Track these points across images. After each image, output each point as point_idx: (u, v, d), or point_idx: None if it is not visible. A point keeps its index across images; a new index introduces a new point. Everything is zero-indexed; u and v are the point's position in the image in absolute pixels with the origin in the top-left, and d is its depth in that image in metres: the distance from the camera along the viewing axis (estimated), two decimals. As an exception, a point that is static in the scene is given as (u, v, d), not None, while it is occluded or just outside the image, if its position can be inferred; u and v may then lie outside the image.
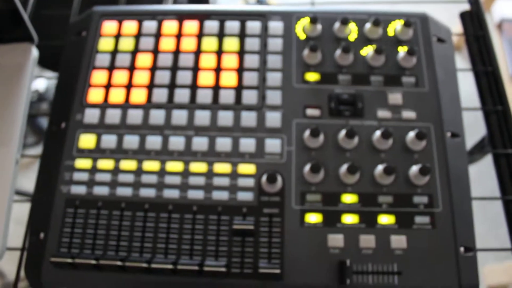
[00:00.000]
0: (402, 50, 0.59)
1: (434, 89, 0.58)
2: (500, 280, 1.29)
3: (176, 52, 0.60)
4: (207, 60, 0.59)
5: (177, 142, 0.55)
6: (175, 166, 0.54)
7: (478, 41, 0.66)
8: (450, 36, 0.61)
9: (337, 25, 0.60)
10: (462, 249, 0.51)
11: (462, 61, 1.79)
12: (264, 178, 0.53)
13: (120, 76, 0.59)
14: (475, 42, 0.66)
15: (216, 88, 0.58)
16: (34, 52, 0.65)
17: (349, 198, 0.53)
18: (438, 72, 0.58)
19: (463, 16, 0.69)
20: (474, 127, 0.83)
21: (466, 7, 0.71)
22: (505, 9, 1.42)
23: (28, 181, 1.37)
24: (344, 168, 0.53)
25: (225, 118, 0.56)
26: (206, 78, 0.58)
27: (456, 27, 1.00)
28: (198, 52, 0.60)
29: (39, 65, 1.03)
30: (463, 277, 0.50)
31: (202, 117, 0.56)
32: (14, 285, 0.56)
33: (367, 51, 0.59)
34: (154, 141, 0.55)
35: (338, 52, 0.58)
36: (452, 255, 0.51)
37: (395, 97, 0.57)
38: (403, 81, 0.58)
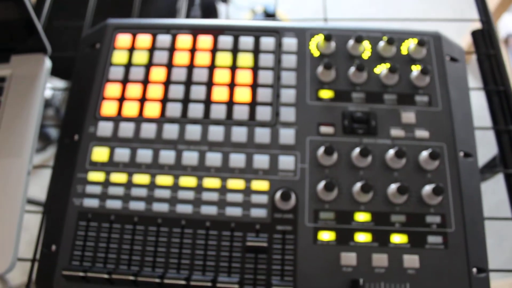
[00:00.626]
0: (416, 69, 0.59)
1: (447, 108, 0.58)
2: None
3: (190, 67, 0.60)
4: (221, 75, 0.60)
5: (190, 157, 0.55)
6: (188, 181, 0.54)
7: (490, 60, 0.66)
8: (463, 56, 0.62)
9: (351, 42, 0.60)
10: (474, 270, 0.51)
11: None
12: (278, 195, 0.53)
13: (134, 90, 0.59)
14: (486, 61, 0.67)
15: (230, 103, 0.58)
16: (47, 63, 0.65)
17: (362, 217, 0.53)
18: (451, 91, 0.59)
19: (475, 34, 0.69)
20: (483, 145, 0.84)
21: (475, 25, 0.71)
22: (511, 24, 1.43)
23: (32, 188, 1.37)
24: (357, 186, 0.53)
25: (239, 134, 0.56)
26: (220, 93, 0.59)
27: (463, 43, 1.00)
28: (212, 67, 0.60)
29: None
30: (475, 298, 0.50)
31: (216, 133, 0.56)
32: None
33: (381, 69, 0.59)
34: (167, 156, 0.56)
35: (352, 70, 0.59)
36: (464, 276, 0.51)
37: (408, 116, 0.57)
38: (416, 100, 0.58)
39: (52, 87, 1.35)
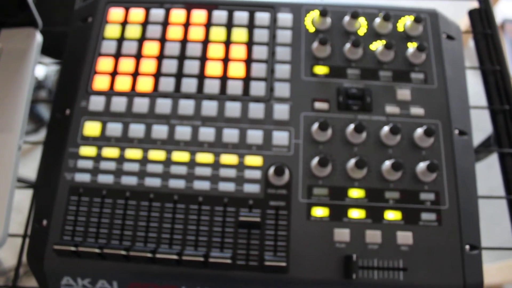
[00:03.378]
0: (412, 46, 0.58)
1: (443, 86, 0.57)
2: (494, 280, 1.30)
3: (184, 41, 0.60)
4: (215, 50, 0.59)
5: (183, 132, 0.55)
6: (181, 156, 0.54)
7: (486, 40, 0.66)
8: (460, 34, 0.61)
9: (346, 18, 0.60)
10: (467, 247, 0.51)
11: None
12: (271, 170, 0.52)
13: (127, 64, 0.59)
14: (483, 40, 0.66)
15: (224, 78, 0.57)
16: (38, 37, 0.64)
17: (356, 193, 0.52)
18: (447, 69, 0.58)
19: (472, 13, 0.68)
20: (479, 125, 0.83)
21: (472, 4, 0.71)
22: (508, 9, 1.42)
23: (26, 168, 1.36)
24: (351, 162, 0.52)
25: (233, 109, 0.56)
26: (214, 68, 0.58)
27: (461, 24, 1.00)
28: (206, 42, 0.59)
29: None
30: (468, 275, 0.50)
31: (209, 108, 0.56)
32: (16, 270, 0.55)
33: (377, 45, 0.59)
34: (160, 130, 0.55)
35: (347, 46, 0.58)
36: (457, 253, 0.51)
37: (403, 93, 0.57)
38: (412, 77, 0.58)
39: (45, 65, 1.34)
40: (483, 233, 0.52)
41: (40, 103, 1.63)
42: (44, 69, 1.60)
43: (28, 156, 1.50)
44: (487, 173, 1.13)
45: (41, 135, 1.63)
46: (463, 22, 1.42)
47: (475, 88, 0.72)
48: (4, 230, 0.53)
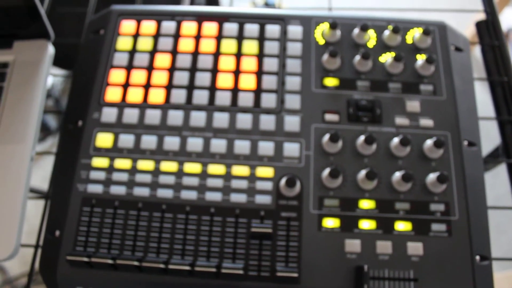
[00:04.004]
0: (421, 58, 0.59)
1: (452, 97, 0.58)
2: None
3: (195, 54, 0.60)
4: (226, 62, 0.59)
5: (195, 143, 0.55)
6: (192, 167, 0.54)
7: (494, 51, 0.67)
8: (468, 45, 0.62)
9: (356, 31, 0.60)
10: (478, 257, 0.51)
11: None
12: (283, 181, 0.53)
13: (138, 76, 0.59)
14: (490, 51, 0.67)
15: (235, 90, 0.58)
16: (50, 49, 0.65)
17: (366, 204, 0.53)
18: (455, 81, 0.59)
19: (479, 25, 0.69)
20: (486, 137, 0.84)
21: (478, 16, 0.71)
22: (512, 18, 1.43)
23: (33, 176, 1.36)
24: (362, 174, 0.53)
25: (244, 121, 0.56)
26: (225, 80, 0.58)
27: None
28: (217, 54, 0.60)
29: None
30: (478, 285, 0.50)
31: (221, 119, 0.56)
32: (29, 280, 0.56)
33: (386, 58, 0.59)
34: (172, 142, 0.55)
35: (357, 58, 0.59)
36: (468, 264, 0.51)
37: (413, 105, 0.57)
38: (421, 89, 0.58)
39: (52, 75, 1.34)
40: (492, 239, 0.53)
41: (47, 113, 1.64)
42: (51, 79, 1.61)
43: (34, 165, 1.51)
44: (494, 181, 1.13)
45: (48, 144, 1.64)
46: (468, 32, 1.43)
47: (481, 96, 0.72)
48: (17, 241, 0.54)
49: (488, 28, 0.68)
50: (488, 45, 0.67)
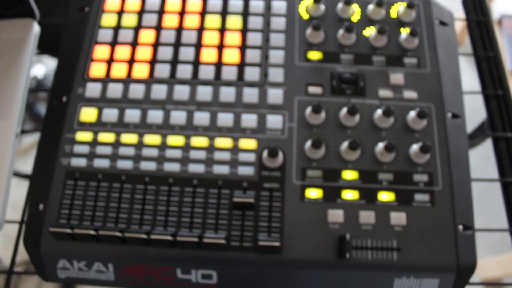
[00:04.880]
0: (405, 32, 0.59)
1: (436, 70, 0.58)
2: (494, 273, 1.30)
3: (179, 29, 0.60)
4: (210, 37, 0.59)
5: (178, 116, 0.55)
6: (176, 140, 0.54)
7: (480, 27, 0.67)
8: (453, 20, 0.62)
9: (340, 5, 0.60)
10: (460, 227, 0.51)
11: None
12: (265, 153, 0.53)
13: (123, 51, 0.59)
14: (477, 27, 0.67)
15: (219, 64, 0.58)
16: (36, 28, 0.65)
17: (349, 175, 0.53)
18: (439, 54, 0.59)
19: (465, 1, 0.69)
20: (474, 115, 0.84)
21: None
22: (505, 5, 1.43)
23: (26, 166, 1.36)
24: (345, 144, 0.53)
25: (227, 94, 0.56)
26: (209, 55, 0.58)
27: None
28: (201, 29, 0.60)
29: (38, 49, 1.03)
30: (461, 255, 0.50)
31: (204, 93, 0.56)
32: (13, 256, 0.56)
33: (370, 31, 0.59)
34: (155, 115, 0.55)
35: (340, 32, 0.59)
36: (451, 233, 0.51)
37: (396, 77, 0.57)
38: (405, 62, 0.58)
39: (45, 65, 1.35)
40: (483, 227, 0.53)
41: (40, 103, 1.64)
42: (44, 69, 1.61)
43: (28, 155, 1.51)
44: (486, 166, 1.13)
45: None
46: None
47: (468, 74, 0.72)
48: (1, 215, 0.54)
49: (474, 5, 0.68)
50: (474, 21, 0.67)
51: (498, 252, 1.35)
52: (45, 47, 0.89)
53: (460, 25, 1.43)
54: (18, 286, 1.34)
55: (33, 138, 1.61)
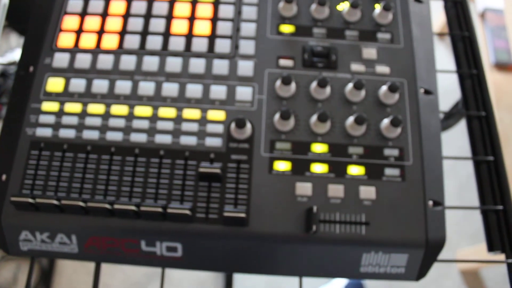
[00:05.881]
0: (378, 6, 0.58)
1: (409, 46, 0.57)
2: (470, 263, 1.30)
3: (150, 1, 0.59)
4: (182, 9, 0.58)
5: (147, 87, 0.54)
6: (143, 110, 0.53)
7: (456, 7, 0.66)
8: (428, -2, 0.61)
9: (314, -21, 0.59)
10: (430, 202, 0.51)
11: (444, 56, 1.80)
12: (233, 124, 0.52)
13: (92, 22, 0.58)
14: (453, 7, 0.66)
15: (189, 36, 0.57)
16: (5, -1, 0.63)
17: (319, 148, 0.52)
18: (413, 30, 0.58)
19: (443, -18, 0.69)
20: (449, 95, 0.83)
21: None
22: (488, -2, 1.43)
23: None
24: (314, 117, 0.52)
25: (197, 65, 0.55)
26: (179, 26, 0.57)
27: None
28: (172, 1, 0.59)
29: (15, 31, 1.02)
30: (430, 230, 0.50)
31: (174, 64, 0.55)
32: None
33: (343, 6, 0.59)
34: (123, 86, 0.54)
35: (313, 5, 0.58)
36: (420, 208, 0.50)
37: (369, 52, 0.57)
38: (378, 37, 0.58)
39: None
40: (463, 219, 0.52)
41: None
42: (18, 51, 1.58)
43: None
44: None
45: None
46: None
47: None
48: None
49: (451, -16, 0.68)
50: (450, 1, 0.67)
51: (477, 242, 1.35)
52: (16, 23, 0.88)
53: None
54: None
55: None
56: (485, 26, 1.42)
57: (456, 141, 1.17)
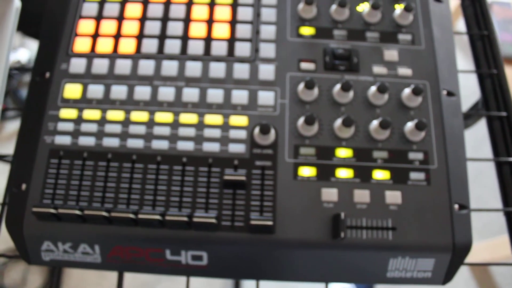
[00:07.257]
0: (399, 7, 0.57)
1: (431, 47, 0.56)
2: (481, 258, 1.30)
3: (167, 3, 0.58)
4: (199, 12, 0.57)
5: (166, 92, 0.53)
6: (164, 117, 0.52)
7: (474, 6, 0.65)
8: (447, -3, 0.60)
9: (333, -20, 0.59)
10: (456, 206, 0.50)
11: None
12: (257, 129, 0.51)
13: (108, 26, 0.57)
14: (471, 6, 0.65)
15: (208, 39, 0.56)
16: (16, 2, 0.62)
17: (343, 153, 0.51)
18: (434, 31, 0.57)
19: (459, -20, 0.68)
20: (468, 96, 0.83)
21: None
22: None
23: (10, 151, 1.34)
24: (339, 121, 0.51)
25: (217, 69, 0.54)
26: (198, 30, 0.56)
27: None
28: (190, 3, 0.58)
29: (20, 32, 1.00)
30: (457, 234, 0.49)
31: (193, 68, 0.54)
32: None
33: (363, 7, 0.58)
34: (143, 92, 0.53)
35: (333, 7, 0.57)
36: (446, 212, 0.50)
37: (391, 54, 0.56)
38: (399, 38, 0.57)
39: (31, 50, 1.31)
40: (472, 214, 0.52)
41: (24, 88, 1.60)
42: (28, 53, 1.57)
43: (12, 141, 1.48)
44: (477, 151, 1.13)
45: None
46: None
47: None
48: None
49: (468, -17, 0.67)
50: (468, 0, 0.66)
51: (485, 238, 1.35)
52: (26, 27, 0.87)
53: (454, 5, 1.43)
54: (3, 274, 1.31)
55: (18, 124, 1.58)
56: (493, 19, 1.40)
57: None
